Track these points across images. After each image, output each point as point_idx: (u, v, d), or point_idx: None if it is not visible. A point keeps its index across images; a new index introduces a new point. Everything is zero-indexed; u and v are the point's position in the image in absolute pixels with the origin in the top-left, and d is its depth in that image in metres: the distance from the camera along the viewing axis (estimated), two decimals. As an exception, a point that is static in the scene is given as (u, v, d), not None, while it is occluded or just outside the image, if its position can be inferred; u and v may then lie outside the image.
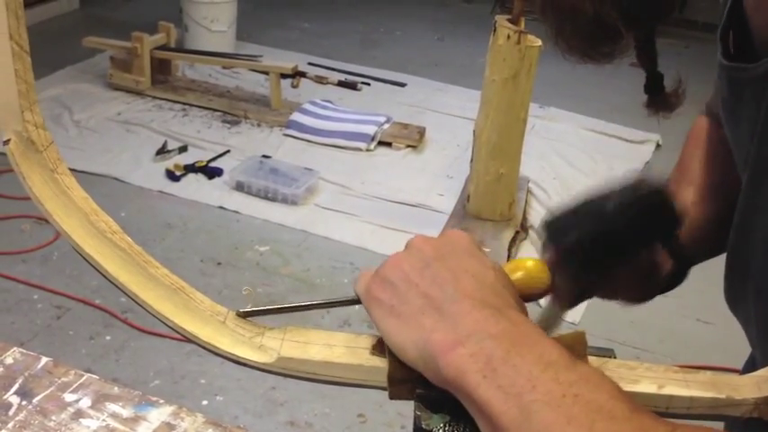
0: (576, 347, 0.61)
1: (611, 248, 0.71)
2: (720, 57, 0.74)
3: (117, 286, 0.59)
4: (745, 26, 0.72)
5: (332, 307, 0.66)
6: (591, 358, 0.61)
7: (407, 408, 2.17)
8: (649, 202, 0.72)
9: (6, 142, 0.56)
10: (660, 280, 0.87)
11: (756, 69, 0.67)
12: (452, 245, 0.59)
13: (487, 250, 3.10)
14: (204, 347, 0.60)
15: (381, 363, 0.59)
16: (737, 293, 0.78)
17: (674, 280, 0.88)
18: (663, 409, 0.60)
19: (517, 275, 0.67)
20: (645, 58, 0.76)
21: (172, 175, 3.54)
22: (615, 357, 0.64)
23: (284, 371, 0.61)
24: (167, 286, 0.60)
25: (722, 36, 0.74)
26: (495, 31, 2.89)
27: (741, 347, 0.84)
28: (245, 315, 0.62)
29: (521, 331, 0.51)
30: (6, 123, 0.55)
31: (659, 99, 0.82)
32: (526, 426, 0.46)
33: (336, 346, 0.61)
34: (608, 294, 0.87)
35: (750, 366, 0.83)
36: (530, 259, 0.68)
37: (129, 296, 0.59)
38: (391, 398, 0.60)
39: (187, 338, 0.60)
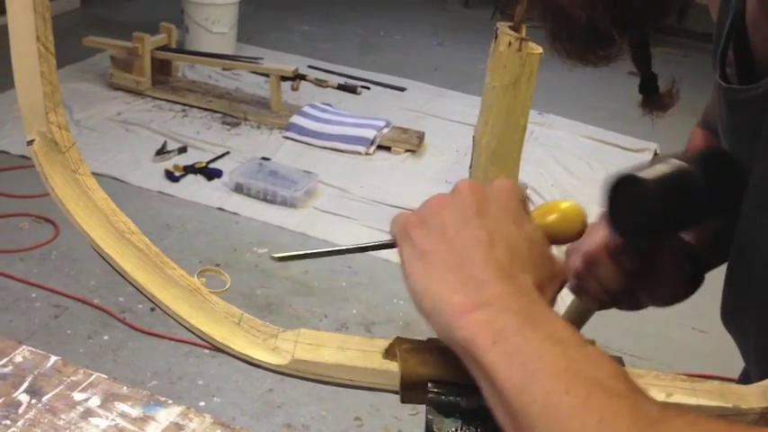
0: (586, 355, 0.62)
1: (688, 202, 0.70)
2: (718, 78, 0.74)
3: (135, 286, 0.59)
4: (746, 46, 0.73)
5: (369, 251, 0.64)
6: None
7: (404, 411, 2.18)
8: (725, 159, 0.71)
9: (30, 143, 0.57)
10: (683, 280, 0.87)
11: (756, 90, 0.68)
12: (498, 203, 0.58)
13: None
14: (219, 348, 0.61)
15: (394, 367, 0.59)
16: (735, 310, 0.78)
17: (692, 285, 0.88)
18: (670, 416, 0.60)
19: (551, 218, 0.66)
20: (639, 61, 0.77)
21: (171, 176, 3.54)
22: (624, 365, 0.64)
23: (297, 373, 0.61)
24: (184, 287, 0.60)
25: (721, 57, 0.75)
26: (496, 37, 2.90)
27: (736, 356, 0.85)
28: (281, 260, 0.62)
29: (538, 310, 0.52)
30: (31, 124, 0.55)
31: (653, 99, 0.83)
32: (527, 392, 0.48)
33: (349, 349, 0.61)
34: (635, 300, 0.86)
35: (744, 381, 0.84)
36: (564, 201, 0.68)
37: (146, 296, 0.59)
38: (403, 401, 0.60)
39: (202, 339, 0.61)
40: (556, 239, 0.62)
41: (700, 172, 0.68)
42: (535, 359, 0.48)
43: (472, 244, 0.55)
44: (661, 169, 0.69)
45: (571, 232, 0.67)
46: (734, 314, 0.79)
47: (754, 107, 0.68)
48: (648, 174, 0.68)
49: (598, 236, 0.77)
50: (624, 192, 0.70)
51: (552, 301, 0.59)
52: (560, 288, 0.61)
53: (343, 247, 0.64)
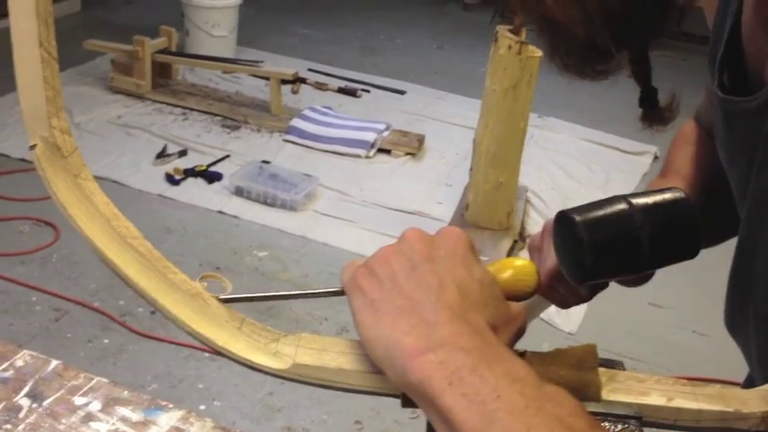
0: (587, 360, 0.62)
1: (633, 263, 0.66)
2: (715, 88, 0.74)
3: (136, 291, 0.59)
4: (741, 57, 0.72)
5: (315, 297, 0.66)
6: (601, 370, 0.62)
7: (404, 415, 2.19)
8: (678, 213, 0.65)
9: (33, 147, 0.57)
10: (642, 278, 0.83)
11: (750, 103, 0.67)
12: (446, 248, 0.58)
13: (485, 259, 3.11)
14: (220, 353, 0.61)
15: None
16: (737, 319, 0.78)
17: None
18: (671, 421, 0.61)
19: (505, 275, 0.66)
20: (639, 74, 0.76)
21: (171, 179, 3.54)
22: (625, 369, 0.64)
23: (298, 377, 0.61)
24: (185, 292, 0.60)
25: (719, 66, 0.74)
26: (496, 40, 2.90)
27: (736, 359, 0.85)
28: (225, 302, 0.63)
29: (493, 349, 0.52)
30: (33, 129, 0.55)
31: (653, 113, 0.83)
32: None
33: (350, 353, 0.61)
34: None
35: (749, 387, 0.84)
36: (519, 259, 0.68)
37: (148, 301, 0.59)
38: (403, 406, 0.60)
39: (204, 344, 0.61)
40: (509, 297, 0.62)
41: (645, 223, 0.63)
42: (493, 399, 0.48)
43: (422, 288, 0.55)
44: (602, 216, 0.65)
45: (525, 290, 0.66)
46: (736, 322, 0.79)
47: (749, 120, 0.68)
48: (585, 218, 0.64)
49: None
50: (563, 231, 0.67)
51: (510, 344, 0.58)
52: (519, 332, 0.60)
53: (291, 293, 0.66)
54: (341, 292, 0.61)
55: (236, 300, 0.63)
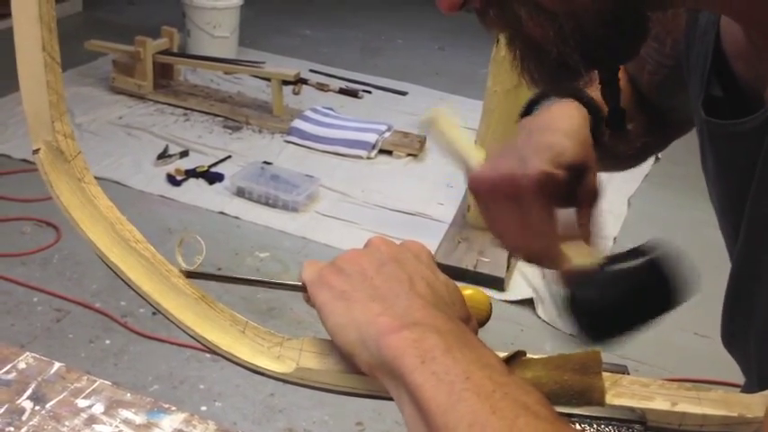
0: (591, 365, 0.62)
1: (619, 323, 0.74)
2: (700, 107, 0.73)
3: (140, 295, 0.59)
4: (730, 76, 0.70)
5: (276, 288, 0.66)
6: (605, 374, 0.62)
7: (407, 417, 2.12)
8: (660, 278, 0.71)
9: (36, 152, 0.57)
10: None
11: (744, 125, 0.66)
12: (411, 252, 0.61)
13: (486, 260, 3.11)
14: (224, 357, 0.61)
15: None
16: (738, 339, 0.78)
17: None
18: (676, 426, 0.60)
19: None
20: (608, 96, 0.77)
21: (173, 180, 3.54)
22: (629, 374, 0.64)
23: (302, 381, 0.61)
24: (189, 295, 0.60)
25: (706, 83, 0.72)
26: (497, 42, 2.90)
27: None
28: (189, 275, 0.63)
29: (466, 336, 0.54)
30: (37, 133, 0.55)
31: (621, 134, 0.83)
32: (452, 411, 0.48)
33: (354, 357, 0.61)
34: None
35: (749, 392, 0.84)
36: (469, 287, 0.69)
37: (152, 305, 0.59)
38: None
39: (207, 348, 0.61)
40: None
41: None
42: (462, 380, 0.49)
43: (392, 281, 0.57)
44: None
45: (477, 319, 0.66)
46: (737, 341, 0.79)
47: (744, 142, 0.66)
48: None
49: None
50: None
51: None
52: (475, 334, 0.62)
53: (255, 279, 0.66)
54: (302, 288, 0.61)
55: (201, 276, 0.63)
